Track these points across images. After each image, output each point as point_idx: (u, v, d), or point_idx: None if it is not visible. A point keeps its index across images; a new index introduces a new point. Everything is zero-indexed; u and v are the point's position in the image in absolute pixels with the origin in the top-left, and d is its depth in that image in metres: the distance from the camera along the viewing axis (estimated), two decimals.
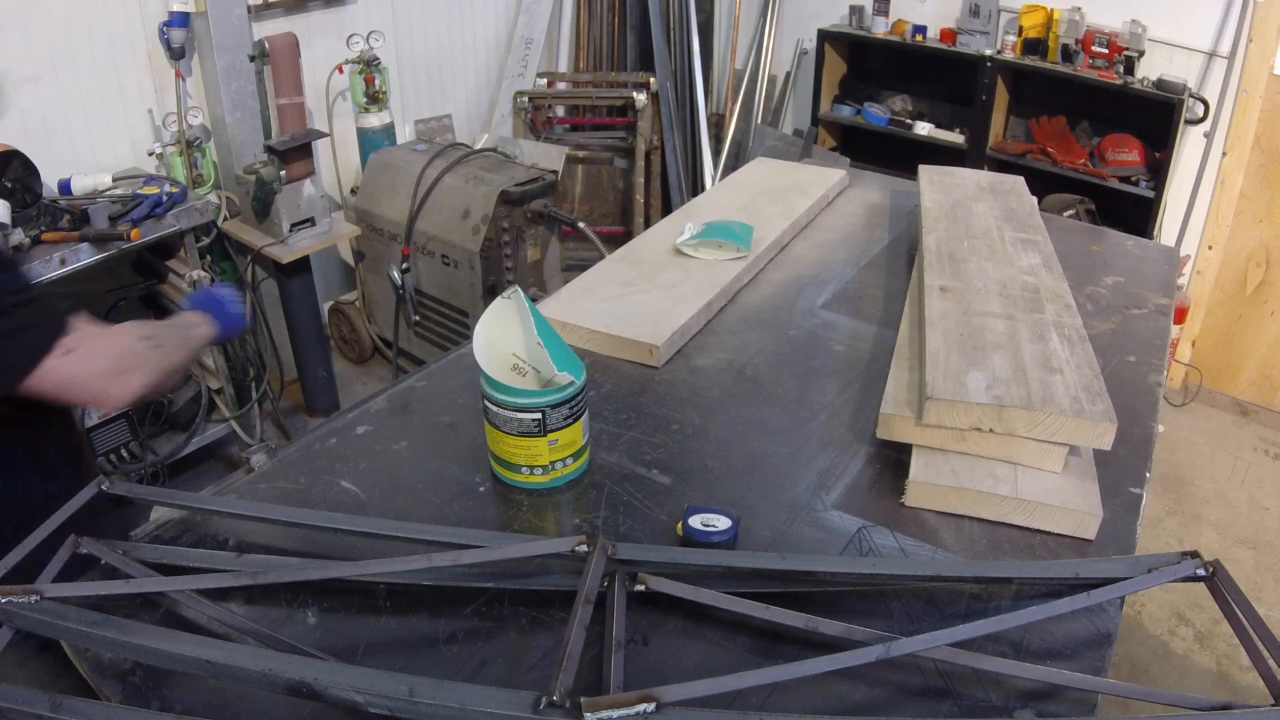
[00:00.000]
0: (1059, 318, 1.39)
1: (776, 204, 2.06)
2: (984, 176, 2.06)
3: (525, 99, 4.17)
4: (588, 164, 4.45)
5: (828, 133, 4.58)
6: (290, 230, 3.03)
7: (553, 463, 1.17)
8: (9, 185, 2.39)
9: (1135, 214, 3.65)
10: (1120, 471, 1.24)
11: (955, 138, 4.13)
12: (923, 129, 4.21)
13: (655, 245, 1.84)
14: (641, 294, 1.64)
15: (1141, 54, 3.56)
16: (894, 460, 1.25)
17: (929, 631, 0.87)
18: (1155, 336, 1.65)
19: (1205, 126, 3.57)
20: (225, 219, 3.15)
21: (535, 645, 0.94)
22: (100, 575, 1.01)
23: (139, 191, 2.66)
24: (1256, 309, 3.71)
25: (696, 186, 4.63)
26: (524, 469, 1.17)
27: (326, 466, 1.23)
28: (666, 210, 4.35)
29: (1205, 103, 3.53)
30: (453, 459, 1.26)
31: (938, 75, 4.21)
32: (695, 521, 1.06)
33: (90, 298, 2.82)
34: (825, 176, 2.24)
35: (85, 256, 2.45)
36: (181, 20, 2.91)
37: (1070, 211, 3.62)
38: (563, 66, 4.57)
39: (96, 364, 1.16)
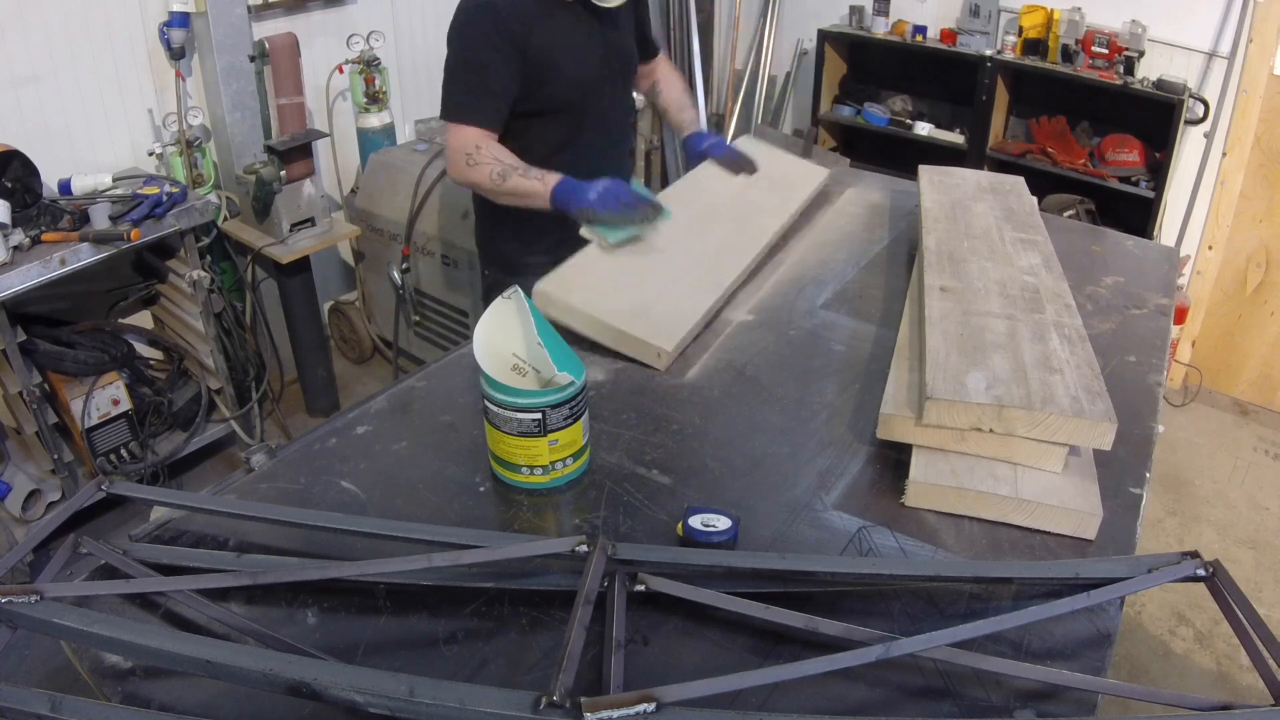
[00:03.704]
0: (1059, 318, 1.39)
1: (773, 194, 2.04)
2: (984, 176, 2.06)
3: None
4: None
5: (828, 133, 4.57)
6: (290, 230, 3.03)
7: (553, 463, 1.17)
8: (9, 185, 2.39)
9: (1135, 214, 3.65)
10: (1120, 471, 1.24)
11: (955, 138, 4.13)
12: (923, 129, 4.20)
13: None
14: (643, 274, 1.63)
15: (1141, 54, 3.56)
16: (894, 460, 1.25)
17: (929, 631, 0.87)
18: (1155, 336, 1.65)
19: (1205, 126, 3.57)
20: (225, 219, 3.15)
21: (535, 645, 0.94)
22: (100, 575, 1.01)
23: (139, 191, 2.66)
24: (1256, 309, 3.71)
25: None
26: (524, 469, 1.17)
27: (326, 466, 1.23)
28: None
29: (1205, 103, 3.53)
30: (453, 459, 1.26)
31: (938, 75, 4.21)
32: (695, 521, 1.06)
33: (90, 298, 2.83)
34: (809, 169, 2.22)
35: (85, 256, 2.45)
36: (181, 20, 2.90)
37: (1070, 211, 3.62)
38: None
39: None
